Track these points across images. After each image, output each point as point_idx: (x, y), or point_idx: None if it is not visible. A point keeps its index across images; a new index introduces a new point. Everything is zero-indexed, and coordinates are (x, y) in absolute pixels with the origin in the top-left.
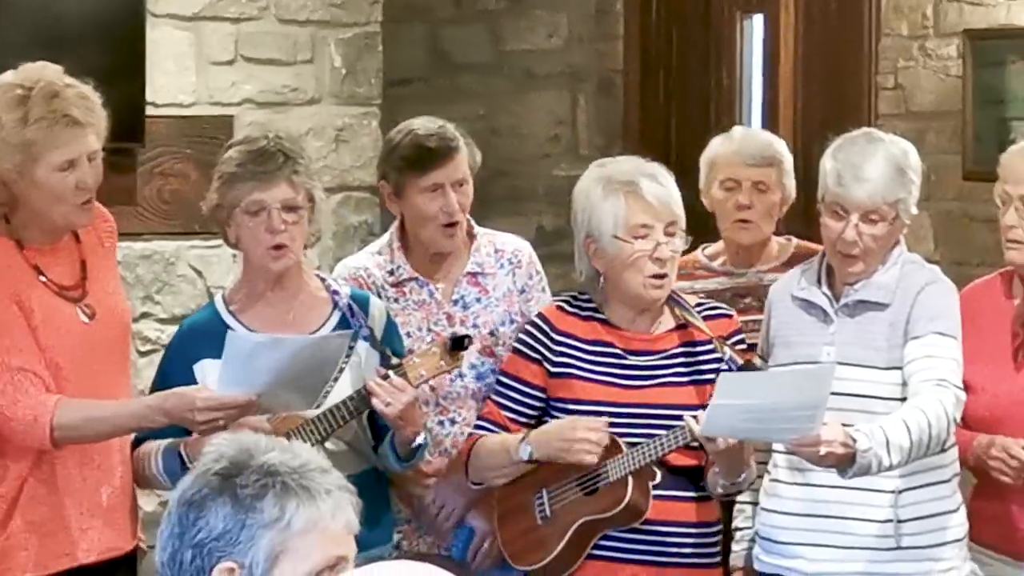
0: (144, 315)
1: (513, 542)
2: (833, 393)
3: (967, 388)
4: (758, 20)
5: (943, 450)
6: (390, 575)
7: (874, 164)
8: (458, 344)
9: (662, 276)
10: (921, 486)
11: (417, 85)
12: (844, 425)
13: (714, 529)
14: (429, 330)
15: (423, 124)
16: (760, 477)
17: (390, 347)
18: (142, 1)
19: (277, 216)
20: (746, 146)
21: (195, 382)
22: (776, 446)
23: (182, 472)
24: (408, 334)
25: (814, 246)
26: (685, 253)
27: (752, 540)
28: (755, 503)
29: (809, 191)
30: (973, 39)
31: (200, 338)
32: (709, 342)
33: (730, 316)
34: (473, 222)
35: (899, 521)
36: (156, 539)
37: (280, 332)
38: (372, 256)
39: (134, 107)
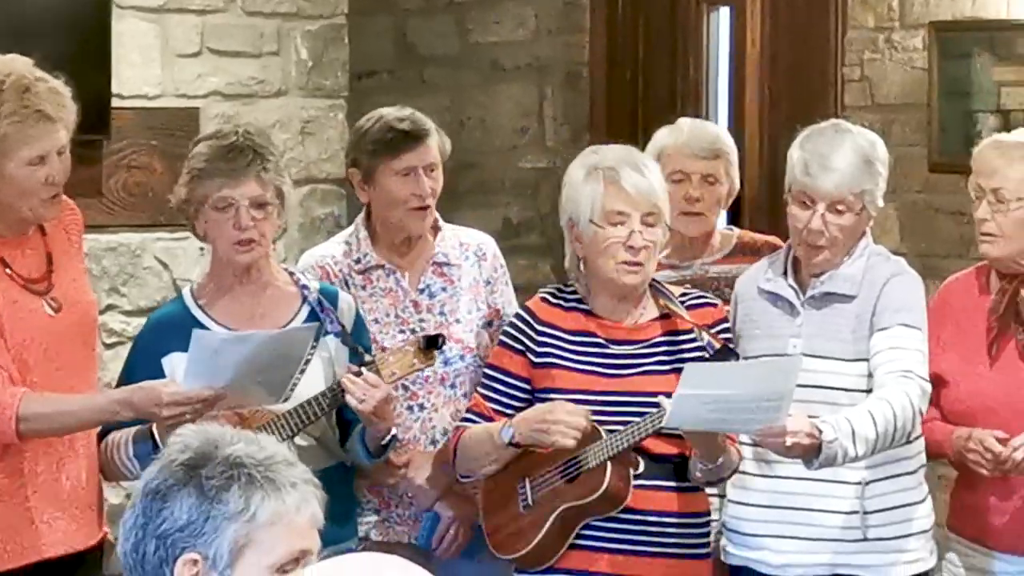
0: (110, 307)
1: (496, 532)
2: (799, 385)
3: (944, 381)
4: (724, 13)
5: (909, 441)
6: (358, 567)
7: (842, 154)
8: (432, 343)
9: (634, 264)
10: (887, 477)
11: (383, 77)
12: (810, 417)
13: (701, 520)
14: (397, 316)
15: (393, 111)
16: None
17: (359, 341)
18: None
19: (245, 213)
20: (695, 138)
21: (163, 375)
22: (742, 438)
23: (155, 453)
24: (376, 320)
25: (757, 236)
26: None
27: (719, 532)
28: (722, 495)
29: (774, 184)
30: (939, 31)
31: (168, 331)
32: (692, 331)
33: (715, 305)
34: (439, 216)
35: (865, 512)
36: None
37: (249, 326)
38: (339, 245)
39: (100, 99)
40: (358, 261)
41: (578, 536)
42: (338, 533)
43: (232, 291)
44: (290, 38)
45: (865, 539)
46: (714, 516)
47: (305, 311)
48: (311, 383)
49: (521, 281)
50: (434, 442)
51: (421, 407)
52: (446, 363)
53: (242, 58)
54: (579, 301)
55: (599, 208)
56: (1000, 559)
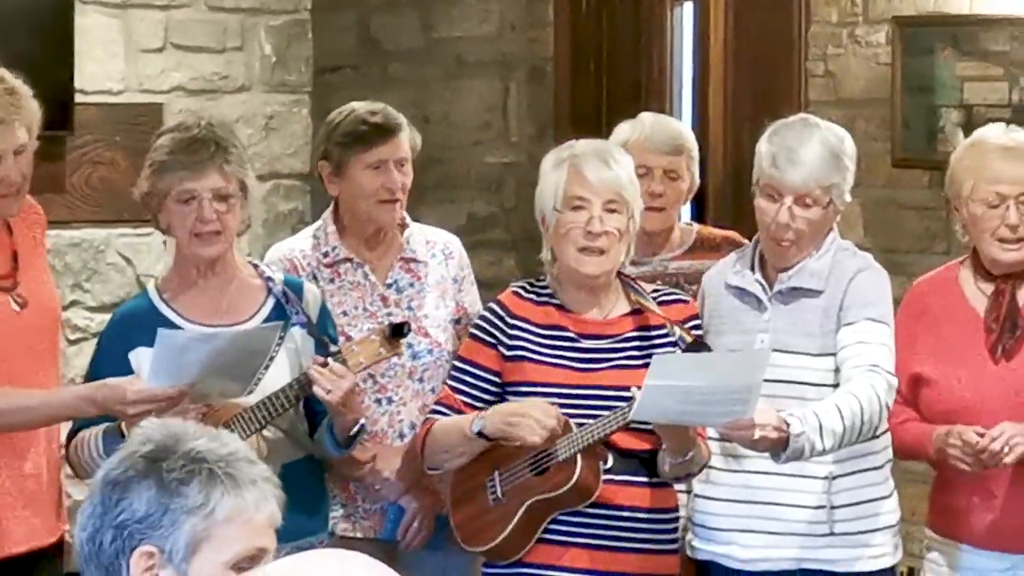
0: (73, 303)
1: (465, 524)
2: (766, 380)
3: (927, 383)
4: (688, 8)
5: (875, 436)
6: (320, 565)
7: (809, 148)
8: (397, 331)
9: (594, 250)
10: (853, 472)
11: (347, 72)
12: (777, 410)
13: (670, 515)
14: (365, 310)
15: (365, 105)
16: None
17: (324, 332)
18: None
19: (208, 205)
20: (657, 133)
21: (129, 371)
22: (709, 432)
23: None
24: (344, 313)
25: (716, 231)
26: None
27: (685, 528)
28: (689, 491)
29: (739, 180)
30: (902, 26)
31: (134, 326)
32: (663, 327)
33: (686, 302)
34: (406, 215)
35: (831, 507)
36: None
37: (214, 320)
38: (307, 239)
39: (63, 94)
40: (326, 255)
41: (546, 530)
42: (306, 525)
43: (196, 285)
44: (254, 33)
45: (831, 533)
46: (680, 512)
47: (270, 303)
48: (277, 375)
49: (486, 277)
50: (401, 436)
51: (389, 400)
52: (414, 357)
53: (206, 53)
54: (551, 295)
55: (561, 194)
56: (984, 556)
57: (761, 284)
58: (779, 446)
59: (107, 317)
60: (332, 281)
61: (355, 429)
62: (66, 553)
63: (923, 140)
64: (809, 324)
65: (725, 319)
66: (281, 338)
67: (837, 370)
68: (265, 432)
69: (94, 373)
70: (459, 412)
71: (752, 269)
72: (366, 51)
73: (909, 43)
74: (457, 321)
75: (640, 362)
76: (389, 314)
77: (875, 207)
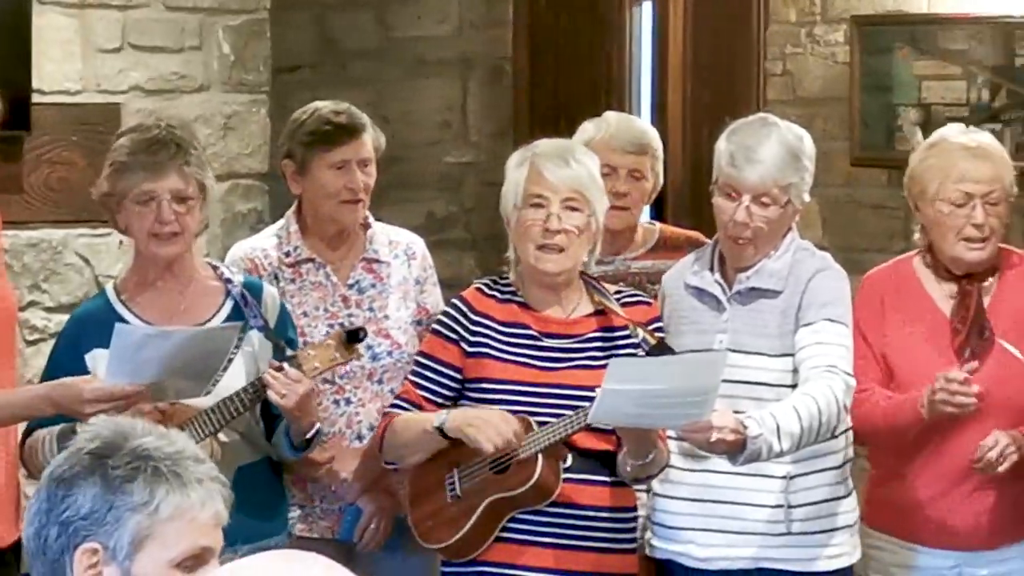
0: (31, 304)
1: (423, 521)
2: (724, 380)
3: (896, 380)
4: (647, 7)
5: (834, 436)
6: (276, 567)
7: (767, 147)
8: (353, 337)
9: (552, 248)
10: (812, 472)
11: (305, 72)
12: (735, 412)
13: (629, 515)
14: (326, 311)
15: (329, 104)
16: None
17: (284, 336)
18: None
19: (167, 206)
20: (622, 133)
21: (86, 371)
22: (669, 432)
23: None
24: (305, 314)
25: (679, 231)
26: None
27: (644, 527)
28: (648, 490)
29: (698, 179)
30: (860, 25)
31: (91, 327)
32: (626, 328)
33: (649, 304)
34: (369, 215)
35: (790, 507)
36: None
37: (172, 321)
38: (269, 238)
39: (20, 94)
40: (288, 254)
41: (505, 528)
42: (264, 528)
43: (155, 286)
44: (212, 33)
45: (789, 533)
46: (640, 511)
47: (228, 305)
48: (234, 378)
49: (445, 276)
50: (360, 437)
51: (348, 402)
52: (374, 359)
53: (163, 53)
54: (514, 293)
55: (521, 192)
56: (931, 555)
57: (720, 284)
58: (736, 448)
59: (65, 318)
60: (293, 281)
61: (311, 433)
62: (24, 554)
63: (881, 139)
64: (767, 324)
65: (684, 319)
66: (240, 339)
67: (795, 371)
68: (220, 435)
69: (51, 373)
70: (419, 407)
71: (711, 269)
72: (324, 51)
73: (867, 42)
74: (419, 322)
75: (602, 362)
76: (350, 315)
77: (834, 206)
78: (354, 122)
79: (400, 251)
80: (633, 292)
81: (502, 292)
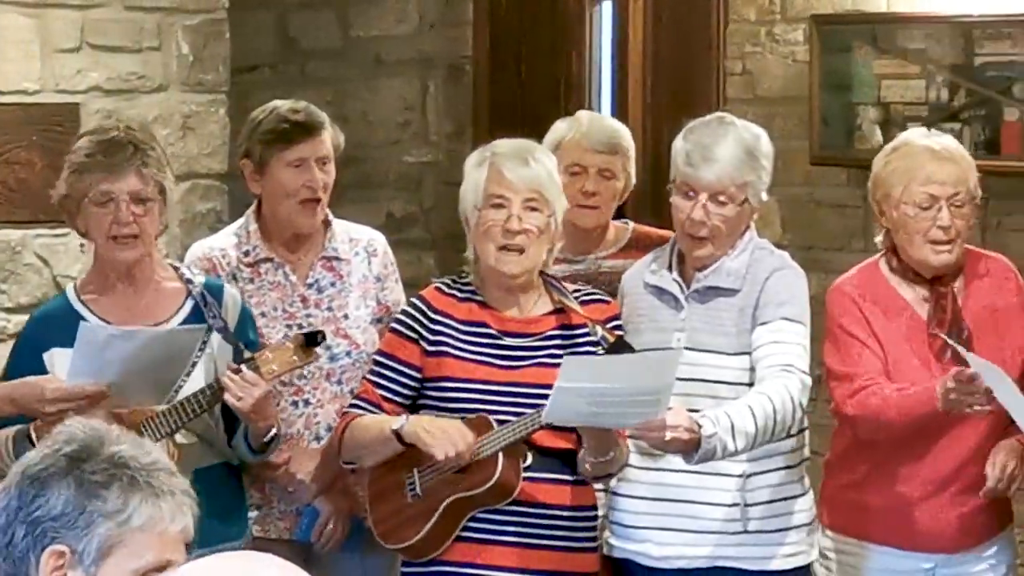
0: None
1: (384, 521)
2: (681, 378)
3: (904, 377)
4: (607, 7)
5: (790, 435)
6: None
7: (724, 146)
8: (311, 340)
9: (514, 249)
10: (768, 471)
11: (265, 72)
12: (690, 410)
13: (590, 514)
14: (284, 311)
15: (288, 103)
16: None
17: (244, 338)
18: None
19: (125, 208)
20: (593, 132)
21: (46, 371)
22: (627, 431)
23: None
24: (263, 314)
25: (651, 231)
26: None
27: (602, 526)
28: (605, 489)
29: (658, 177)
30: (820, 24)
31: (52, 327)
32: (585, 326)
33: (608, 302)
34: (329, 212)
35: (746, 505)
36: None
37: (132, 322)
38: (228, 237)
39: None
40: (247, 253)
41: (465, 528)
42: (224, 531)
43: (115, 287)
44: (170, 33)
45: (746, 531)
46: (599, 510)
47: (189, 306)
48: (193, 380)
49: (405, 276)
50: (318, 438)
51: (306, 402)
52: (332, 359)
53: (122, 53)
54: (473, 292)
55: (481, 192)
56: (903, 557)
57: (678, 283)
58: (691, 447)
59: (24, 318)
60: (252, 281)
61: (269, 436)
62: None
63: (841, 138)
64: (725, 323)
65: (643, 318)
66: (203, 346)
67: (752, 369)
68: (178, 437)
69: (10, 374)
70: (378, 406)
71: (669, 268)
72: (284, 50)
73: (827, 41)
74: (379, 320)
75: (561, 360)
76: (308, 315)
77: (793, 205)
78: (312, 120)
79: (360, 248)
80: (591, 291)
81: (461, 291)
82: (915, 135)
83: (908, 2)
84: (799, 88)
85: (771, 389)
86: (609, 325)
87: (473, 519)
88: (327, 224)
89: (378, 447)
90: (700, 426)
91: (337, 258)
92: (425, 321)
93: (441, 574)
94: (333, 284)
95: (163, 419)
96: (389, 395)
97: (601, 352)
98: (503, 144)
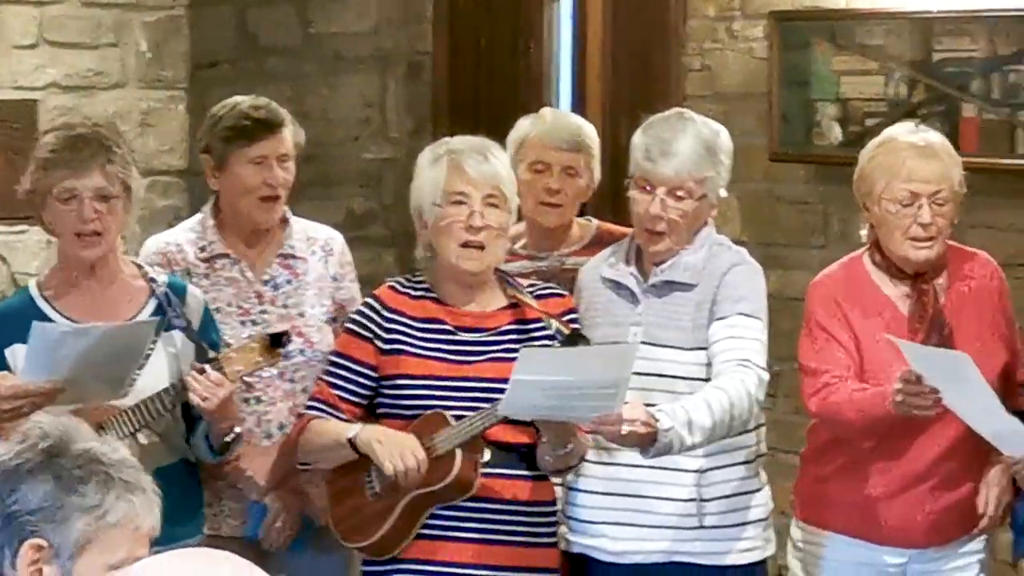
0: None
1: (344, 520)
2: (638, 373)
3: (871, 379)
4: (566, 3)
5: (746, 430)
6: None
7: (683, 141)
8: (277, 341)
9: (475, 245)
10: (724, 466)
11: (224, 68)
12: (647, 405)
13: (549, 509)
14: (239, 307)
15: (249, 99)
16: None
17: (206, 338)
18: None
19: (89, 205)
20: (557, 130)
21: (7, 367)
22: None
23: None
24: (218, 310)
25: (616, 227)
26: None
27: (559, 521)
28: (562, 483)
29: (617, 173)
30: (779, 20)
31: (13, 323)
32: (540, 320)
33: (563, 296)
34: (287, 210)
35: (702, 500)
36: None
37: (95, 319)
38: (185, 232)
39: None
40: (203, 249)
41: (424, 524)
42: (180, 530)
43: (78, 284)
44: (129, 29)
45: (701, 526)
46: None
47: (152, 305)
48: (156, 379)
49: (365, 273)
50: (269, 436)
51: (258, 400)
52: (286, 356)
53: (80, 49)
54: (427, 290)
55: (441, 189)
56: (878, 551)
57: (635, 277)
58: (647, 441)
59: None
60: (207, 276)
61: (231, 436)
62: None
63: (800, 134)
64: (682, 318)
65: (599, 312)
66: (156, 338)
67: (709, 364)
68: (140, 436)
69: None
70: (334, 407)
71: (627, 262)
72: (243, 47)
73: (786, 37)
74: (334, 319)
75: (517, 355)
76: (264, 312)
77: (752, 201)
78: (273, 117)
79: (318, 247)
80: (546, 285)
81: (415, 289)
82: (901, 130)
83: None
84: (758, 84)
85: (728, 384)
86: (565, 319)
87: (432, 516)
88: (285, 222)
89: (333, 453)
90: (657, 420)
91: (294, 256)
92: (379, 320)
93: (402, 571)
94: (289, 282)
95: (126, 418)
96: (345, 395)
97: (557, 345)
98: (458, 141)
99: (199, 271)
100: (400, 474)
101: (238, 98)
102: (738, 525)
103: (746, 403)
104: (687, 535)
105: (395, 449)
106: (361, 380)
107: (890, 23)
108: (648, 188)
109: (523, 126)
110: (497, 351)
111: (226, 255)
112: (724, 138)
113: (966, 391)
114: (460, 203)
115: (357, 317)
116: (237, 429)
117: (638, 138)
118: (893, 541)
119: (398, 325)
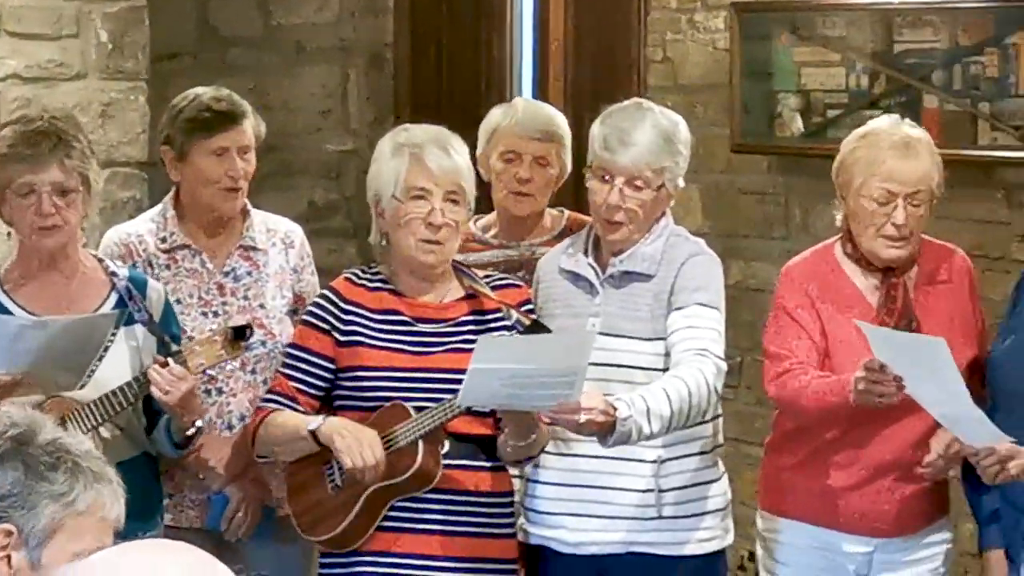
0: None
1: (305, 514)
2: (596, 363)
3: (839, 370)
4: None
5: (704, 420)
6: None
7: (641, 131)
8: (240, 334)
9: (434, 242)
10: (682, 456)
11: (185, 60)
12: (605, 395)
13: (507, 499)
14: (200, 298)
15: (210, 91)
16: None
17: (167, 330)
18: None
19: (47, 199)
20: (529, 119)
21: None
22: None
23: None
24: (179, 301)
25: (586, 218)
26: None
27: (517, 512)
28: (520, 475)
29: (578, 164)
30: (740, 12)
31: None
32: (499, 311)
33: (519, 287)
34: (248, 202)
35: (660, 491)
36: None
37: (56, 313)
38: (145, 223)
39: None
40: (164, 240)
41: (387, 517)
42: (142, 523)
43: (39, 277)
44: (89, 20)
45: (660, 517)
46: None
47: (113, 298)
48: (118, 373)
49: (326, 264)
50: (230, 427)
51: (219, 391)
52: (247, 348)
53: (40, 40)
54: (384, 281)
55: (402, 183)
56: (844, 540)
57: (593, 268)
58: (606, 430)
59: None
60: (168, 268)
61: (192, 430)
62: None
63: (762, 125)
64: (640, 308)
65: (558, 303)
66: (117, 328)
67: (667, 354)
68: (102, 430)
69: None
70: (293, 399)
71: (585, 253)
72: (204, 38)
73: (747, 29)
74: (294, 312)
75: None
76: (224, 303)
77: (714, 192)
78: (234, 109)
79: (278, 239)
80: (502, 275)
81: (372, 280)
82: (885, 124)
83: None
84: (720, 76)
85: (686, 373)
86: (522, 309)
87: (393, 507)
88: (245, 213)
89: (293, 445)
90: (615, 409)
91: (254, 248)
92: (337, 312)
93: (360, 563)
94: (250, 273)
95: (89, 411)
96: (303, 387)
97: (516, 335)
98: (420, 131)
99: (160, 262)
100: (359, 471)
101: (199, 89)
102: (696, 515)
103: (704, 392)
104: (645, 526)
105: (355, 444)
106: (319, 372)
107: (851, 14)
108: (607, 178)
109: (495, 115)
110: (455, 342)
111: (187, 246)
112: (682, 128)
113: (934, 378)
114: (420, 198)
115: (314, 309)
116: (199, 423)
117: (597, 128)
118: (858, 530)
119: (356, 317)
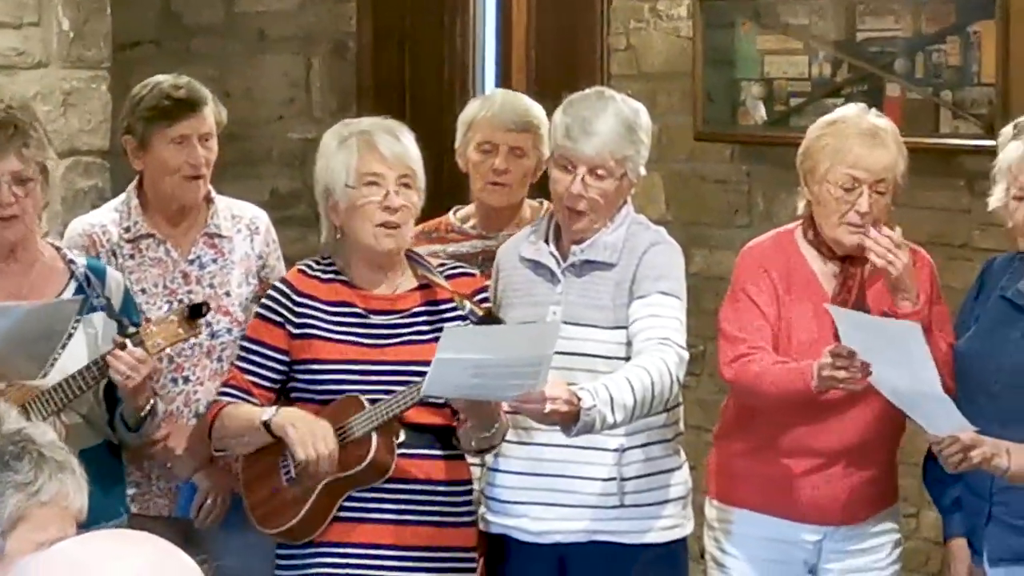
0: None
1: (260, 506)
2: (558, 352)
3: (796, 357)
4: None
5: (667, 409)
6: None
7: (603, 120)
8: (196, 312)
9: (392, 225)
10: (644, 444)
11: (147, 48)
12: (568, 384)
13: (464, 488)
14: (165, 287)
15: (170, 79)
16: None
17: (127, 317)
18: None
19: (6, 189)
20: (505, 111)
21: None
22: (504, 405)
23: None
24: (144, 290)
25: None
26: (438, 215)
27: (479, 501)
28: (482, 464)
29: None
30: (703, 0)
31: None
32: (452, 301)
33: (473, 275)
34: (212, 188)
35: (622, 479)
36: None
37: (17, 300)
38: (109, 213)
39: None
40: (128, 230)
41: (343, 507)
42: (104, 512)
43: None
44: (51, 8)
45: (622, 505)
46: (475, 485)
47: (72, 287)
48: (77, 359)
49: (290, 253)
50: (197, 415)
51: (186, 379)
52: (213, 336)
53: (2, 29)
54: (337, 272)
55: (354, 171)
56: (792, 527)
57: (554, 256)
58: (570, 420)
59: None
60: (132, 257)
61: (146, 410)
62: None
63: (725, 114)
64: (601, 297)
65: (518, 292)
66: (79, 317)
67: (629, 343)
68: (64, 417)
69: None
70: (248, 392)
71: (547, 241)
72: (167, 26)
73: (710, 17)
74: (259, 298)
75: (429, 336)
76: (190, 291)
77: (677, 181)
78: (194, 96)
79: (243, 225)
80: (456, 264)
81: (325, 271)
82: (852, 113)
83: None
84: (683, 64)
85: (648, 362)
86: (476, 299)
87: (348, 498)
88: (209, 200)
89: (247, 437)
90: (579, 398)
91: (219, 235)
92: (290, 304)
93: (316, 555)
94: (215, 261)
95: (49, 397)
96: (258, 380)
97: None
98: (366, 122)
99: (124, 252)
100: (312, 462)
101: (159, 77)
102: (658, 503)
103: (667, 381)
104: (608, 514)
105: (308, 436)
106: (273, 365)
107: (814, 3)
108: (569, 167)
109: (472, 107)
110: (408, 334)
111: (151, 235)
112: (644, 116)
113: (904, 363)
114: (374, 184)
115: (268, 302)
116: (152, 401)
117: (559, 117)
118: (808, 518)
119: (309, 309)
